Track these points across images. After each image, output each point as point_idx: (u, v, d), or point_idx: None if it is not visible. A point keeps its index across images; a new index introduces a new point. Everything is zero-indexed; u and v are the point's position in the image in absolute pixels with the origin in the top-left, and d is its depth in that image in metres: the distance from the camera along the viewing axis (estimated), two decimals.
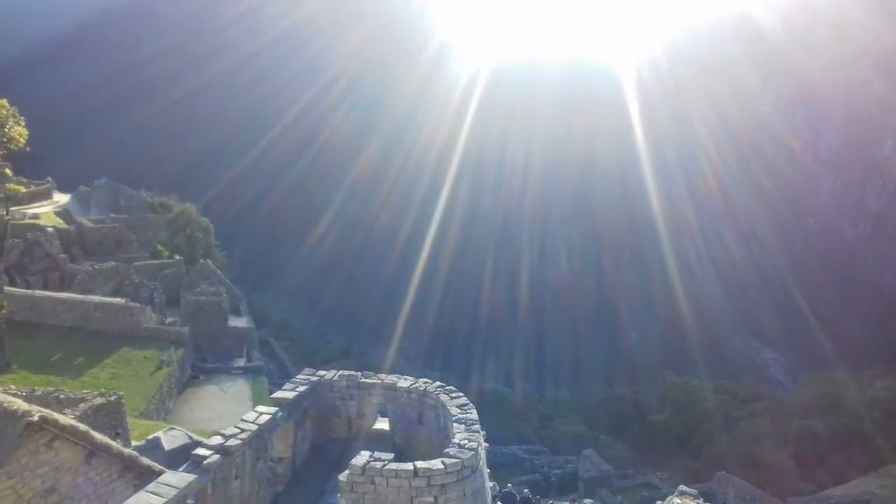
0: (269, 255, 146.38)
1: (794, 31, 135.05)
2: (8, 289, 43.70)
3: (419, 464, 14.94)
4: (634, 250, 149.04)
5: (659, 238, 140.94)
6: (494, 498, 29.86)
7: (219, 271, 65.30)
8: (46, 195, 76.22)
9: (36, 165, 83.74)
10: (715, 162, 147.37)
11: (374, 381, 21.02)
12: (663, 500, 23.14)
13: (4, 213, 41.92)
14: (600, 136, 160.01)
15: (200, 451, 15.45)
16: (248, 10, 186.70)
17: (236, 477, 16.04)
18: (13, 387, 26.08)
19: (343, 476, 15.08)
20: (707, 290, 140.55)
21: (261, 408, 18.24)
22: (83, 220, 67.14)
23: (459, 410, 18.33)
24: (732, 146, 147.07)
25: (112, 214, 72.97)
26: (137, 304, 48.40)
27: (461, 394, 19.61)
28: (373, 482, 14.83)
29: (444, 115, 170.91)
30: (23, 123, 55.17)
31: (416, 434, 20.47)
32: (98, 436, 14.69)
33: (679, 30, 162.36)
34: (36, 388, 27.88)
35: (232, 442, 15.92)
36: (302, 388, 20.14)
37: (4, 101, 56.25)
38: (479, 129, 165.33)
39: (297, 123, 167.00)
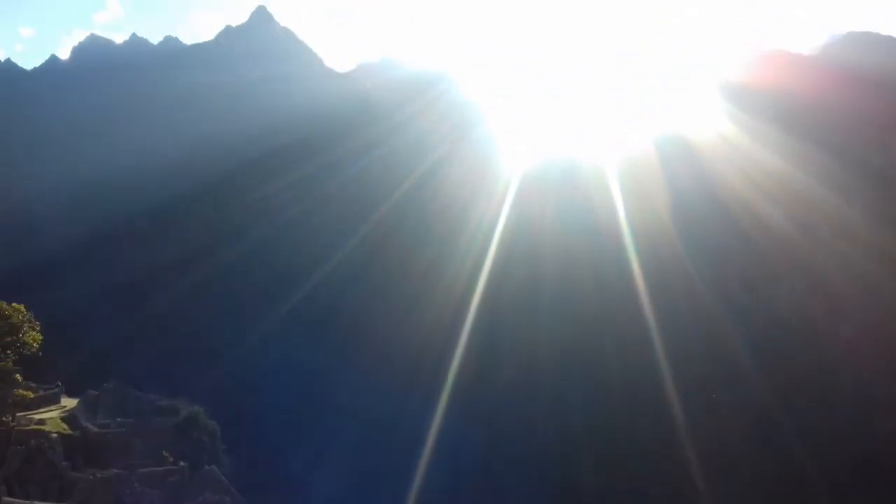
0: (276, 454, 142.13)
1: (798, 226, 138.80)
2: (6, 499, 41.86)
3: None
4: (642, 421, 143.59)
5: (678, 433, 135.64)
6: None
7: (223, 478, 62.98)
8: (54, 400, 75.22)
9: (46, 368, 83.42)
10: (737, 358, 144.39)
11: None
12: None
13: (10, 419, 40.96)
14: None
15: None
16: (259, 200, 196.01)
17: None
18: None
19: None
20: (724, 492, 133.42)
21: None
22: (88, 426, 65.88)
23: None
24: (752, 337, 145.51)
25: (119, 419, 71.59)
26: None
27: None
28: None
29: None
30: (38, 328, 55.60)
31: None
32: None
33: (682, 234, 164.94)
34: None
35: None
36: None
37: (21, 307, 57.17)
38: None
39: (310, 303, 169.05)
